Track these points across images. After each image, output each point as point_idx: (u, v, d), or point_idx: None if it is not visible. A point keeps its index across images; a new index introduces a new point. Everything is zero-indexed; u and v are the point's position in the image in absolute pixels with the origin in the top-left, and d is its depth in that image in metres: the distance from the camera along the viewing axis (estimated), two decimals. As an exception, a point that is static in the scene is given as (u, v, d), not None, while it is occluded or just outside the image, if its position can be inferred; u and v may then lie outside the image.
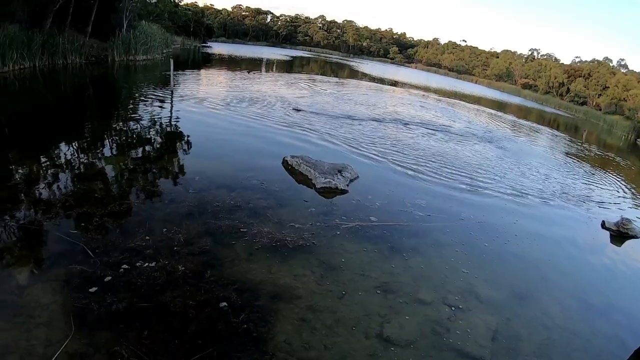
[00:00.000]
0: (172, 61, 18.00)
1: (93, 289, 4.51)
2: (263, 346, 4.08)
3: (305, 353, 4.10)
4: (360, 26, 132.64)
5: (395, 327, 4.69)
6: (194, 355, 3.85)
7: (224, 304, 4.54)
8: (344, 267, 5.65)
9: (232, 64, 42.40)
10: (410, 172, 10.18)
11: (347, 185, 8.54)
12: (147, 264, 5.08)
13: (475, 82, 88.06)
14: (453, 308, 5.24)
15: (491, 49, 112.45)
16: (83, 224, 5.85)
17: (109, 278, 4.73)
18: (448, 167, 11.29)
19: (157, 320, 4.21)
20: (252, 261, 5.47)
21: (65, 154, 9.05)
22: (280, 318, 4.49)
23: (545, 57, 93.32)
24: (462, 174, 10.83)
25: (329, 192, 8.16)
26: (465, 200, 9.07)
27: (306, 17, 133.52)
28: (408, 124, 17.85)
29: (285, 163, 9.38)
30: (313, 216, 7.03)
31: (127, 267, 4.98)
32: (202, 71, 31.48)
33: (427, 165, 11.03)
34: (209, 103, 16.31)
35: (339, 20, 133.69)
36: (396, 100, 27.20)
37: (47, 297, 4.35)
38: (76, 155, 9.04)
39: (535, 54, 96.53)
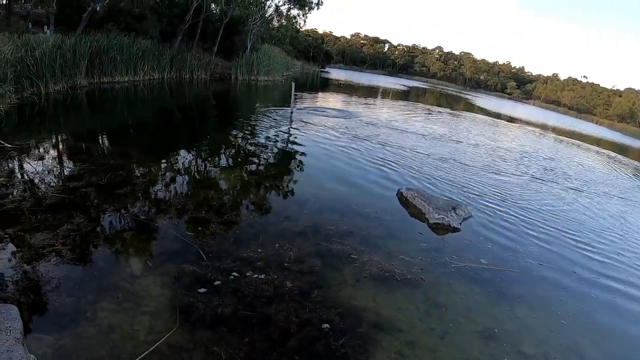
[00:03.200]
0: (293, 83, 18.88)
1: (202, 290, 4.81)
2: (358, 374, 4.02)
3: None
4: (478, 59, 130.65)
5: (493, 376, 4.49)
6: None
7: (326, 325, 4.56)
8: (449, 307, 5.42)
9: (348, 89, 43.51)
10: (522, 220, 9.48)
11: (460, 223, 8.23)
12: (256, 275, 5.28)
13: (596, 123, 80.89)
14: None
15: (613, 86, 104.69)
16: (199, 228, 6.30)
17: (219, 282, 4.99)
18: (562, 219, 10.31)
19: (258, 329, 4.34)
20: (358, 288, 5.47)
21: (186, 160, 9.91)
22: (379, 349, 4.40)
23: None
24: (581, 233, 9.79)
25: (441, 228, 7.92)
26: (580, 258, 8.21)
27: (423, 48, 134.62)
28: (521, 164, 16.70)
29: (399, 194, 9.27)
30: (423, 251, 6.86)
31: (237, 274, 5.22)
32: (320, 94, 32.73)
33: (538, 216, 10.16)
34: (325, 126, 16.74)
35: (456, 52, 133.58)
36: (510, 138, 25.82)
37: (157, 290, 4.71)
38: (196, 163, 9.80)
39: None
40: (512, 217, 9.37)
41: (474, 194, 10.61)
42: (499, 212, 9.52)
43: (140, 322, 4.14)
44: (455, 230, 7.98)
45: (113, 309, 4.25)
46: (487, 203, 10.07)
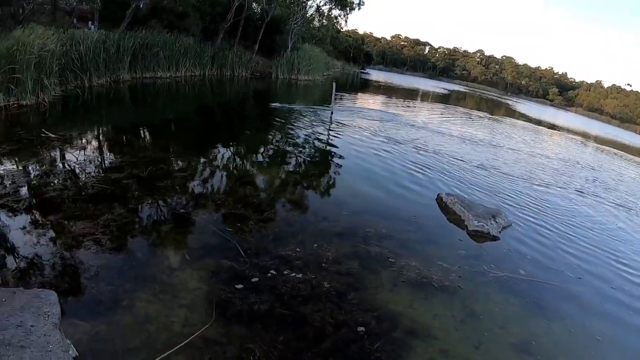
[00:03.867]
0: (334, 83, 18.98)
1: (239, 286, 4.80)
2: (391, 379, 3.97)
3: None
4: (520, 63, 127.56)
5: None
6: None
7: (362, 328, 4.51)
8: (485, 317, 5.29)
9: (388, 91, 43.30)
10: (561, 232, 9.14)
11: (499, 232, 8.02)
12: (294, 274, 5.25)
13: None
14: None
15: None
16: (238, 224, 6.31)
17: (256, 279, 4.98)
18: (603, 235, 9.86)
19: (294, 328, 4.32)
20: (395, 292, 5.38)
21: (225, 156, 10.04)
22: (413, 355, 4.31)
23: None
24: (622, 252, 9.34)
25: (480, 236, 7.74)
26: (619, 277, 7.86)
27: (464, 51, 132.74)
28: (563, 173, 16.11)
29: (439, 199, 9.10)
30: (462, 258, 6.72)
31: (274, 272, 5.20)
32: (360, 95, 32.68)
33: (578, 230, 9.75)
34: (365, 127, 16.65)
35: (498, 56, 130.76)
36: (551, 146, 25.07)
37: (194, 283, 4.73)
38: (235, 159, 9.91)
39: None
40: (552, 229, 9.10)
41: (513, 203, 10.34)
42: (538, 223, 9.25)
43: (176, 314, 4.17)
44: (495, 238, 7.81)
45: (150, 300, 4.29)
46: (526, 213, 9.80)
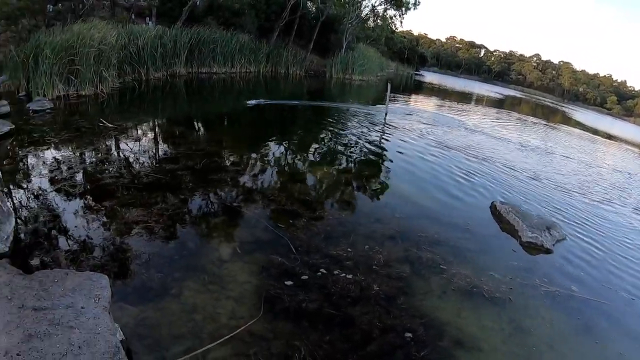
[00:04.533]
0: (389, 84, 18.75)
1: (289, 283, 4.76)
2: (435, 389, 3.88)
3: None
4: (577, 69, 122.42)
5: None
6: None
7: (409, 334, 4.39)
8: (533, 332, 5.07)
9: (442, 94, 42.66)
10: (617, 250, 8.66)
11: (553, 245, 7.69)
12: (344, 274, 5.17)
13: None
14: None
15: None
16: (291, 221, 6.30)
17: (306, 277, 4.94)
18: None
19: (340, 329, 4.25)
20: (444, 300, 5.25)
21: (278, 152, 10.04)
22: None
23: None
24: None
25: (533, 248, 7.45)
26: None
27: (520, 55, 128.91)
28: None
29: (493, 207, 8.80)
30: (514, 270, 6.48)
31: (324, 271, 5.14)
32: (414, 97, 32.33)
33: (635, 251, 9.22)
34: (418, 130, 16.37)
35: (555, 61, 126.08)
36: (609, 157, 23.91)
37: (243, 276, 4.73)
38: (288, 156, 9.91)
39: None
40: (606, 246, 8.64)
41: (567, 215, 9.88)
42: (592, 238, 8.82)
43: (223, 305, 4.17)
44: (548, 251, 7.50)
45: (198, 290, 4.31)
46: (580, 227, 9.35)
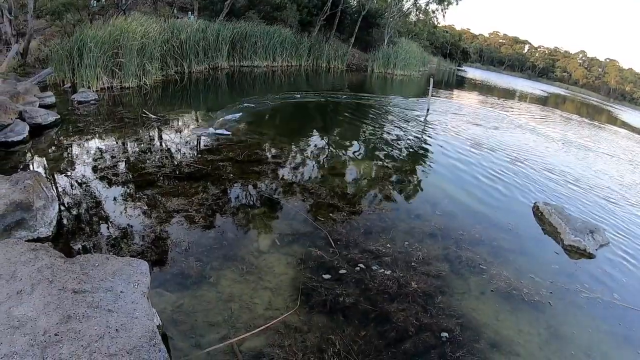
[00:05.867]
0: (432, 79, 18.61)
1: (326, 276, 4.73)
2: (469, 392, 3.83)
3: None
4: (624, 67, 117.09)
5: None
6: None
7: (445, 334, 4.32)
8: (571, 340, 4.89)
9: (485, 90, 41.79)
10: None
11: (597, 249, 7.39)
12: (382, 270, 5.11)
13: None
14: None
15: None
16: (330, 215, 6.26)
17: (344, 271, 4.89)
18: None
19: (376, 325, 4.21)
20: (482, 301, 5.13)
21: (319, 145, 10.01)
22: None
23: None
24: None
25: (576, 252, 7.18)
26: None
27: (565, 52, 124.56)
28: None
29: (535, 208, 8.53)
30: (555, 274, 6.28)
31: (362, 266, 5.09)
32: (456, 92, 31.75)
33: None
34: (460, 126, 16.07)
35: (601, 58, 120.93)
36: None
37: (281, 268, 4.73)
38: (329, 150, 9.85)
39: None
40: None
41: (611, 220, 9.52)
42: (636, 244, 8.46)
43: (260, 296, 4.18)
44: (591, 256, 7.22)
45: (235, 279, 4.34)
46: (624, 232, 8.98)
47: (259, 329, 3.73)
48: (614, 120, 45.22)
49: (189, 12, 20.72)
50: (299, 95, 15.73)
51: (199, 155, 7.55)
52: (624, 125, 42.64)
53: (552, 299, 5.52)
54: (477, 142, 13.59)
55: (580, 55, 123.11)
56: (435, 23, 46.74)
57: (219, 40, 18.20)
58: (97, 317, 2.83)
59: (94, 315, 2.84)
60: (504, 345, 4.42)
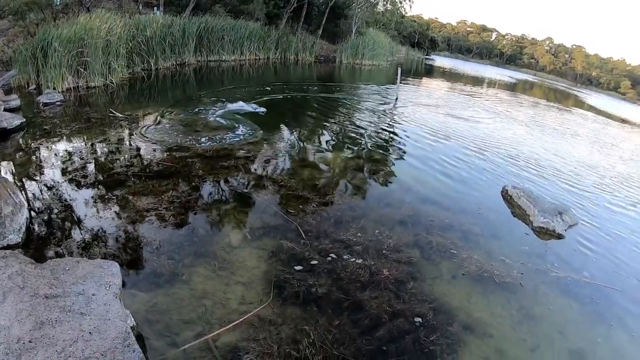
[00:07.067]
0: (399, 68, 18.85)
1: (298, 268, 4.79)
2: (444, 374, 3.94)
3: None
4: (590, 53, 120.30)
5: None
6: (376, 358, 3.82)
7: (418, 319, 4.41)
8: (543, 319, 5.05)
9: (453, 78, 42.40)
10: (635, 232, 8.56)
11: (565, 230, 7.61)
12: (353, 259, 5.18)
13: None
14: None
15: None
16: (300, 207, 6.31)
17: (315, 262, 4.95)
18: None
19: (349, 314, 4.27)
20: (454, 285, 5.25)
21: (289, 138, 9.99)
22: (467, 352, 4.19)
23: None
24: None
25: (545, 233, 7.39)
26: None
27: (532, 39, 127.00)
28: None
29: (504, 192, 8.72)
30: (525, 255, 6.45)
31: (334, 256, 5.14)
32: (425, 80, 32.18)
33: None
34: (429, 113, 16.29)
35: (568, 45, 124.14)
36: (623, 143, 23.55)
37: (253, 262, 4.76)
38: (298, 142, 9.84)
39: None
40: (618, 232, 8.55)
41: (580, 201, 9.80)
42: (604, 224, 8.71)
43: (233, 291, 4.21)
44: (560, 237, 7.43)
45: (208, 276, 4.36)
46: (592, 212, 9.25)
47: (233, 324, 3.76)
48: (581, 104, 46.24)
49: (155, 8, 20.40)
50: (269, 88, 15.67)
51: (168, 153, 7.49)
52: (591, 109, 43.66)
53: (523, 279, 5.65)
54: (446, 130, 13.77)
55: (547, 42, 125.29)
56: (403, 13, 46.91)
57: (185, 36, 17.97)
58: (70, 322, 2.85)
59: (67, 320, 2.85)
60: (477, 327, 4.52)
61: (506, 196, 8.62)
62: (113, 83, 12.44)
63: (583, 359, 4.62)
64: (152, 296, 3.92)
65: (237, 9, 23.32)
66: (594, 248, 7.37)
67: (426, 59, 62.72)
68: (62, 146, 7.38)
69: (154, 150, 7.63)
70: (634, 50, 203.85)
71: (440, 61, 66.90)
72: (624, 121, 39.91)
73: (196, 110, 10.73)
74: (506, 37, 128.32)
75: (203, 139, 8.43)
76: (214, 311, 3.90)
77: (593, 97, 71.86)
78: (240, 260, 4.70)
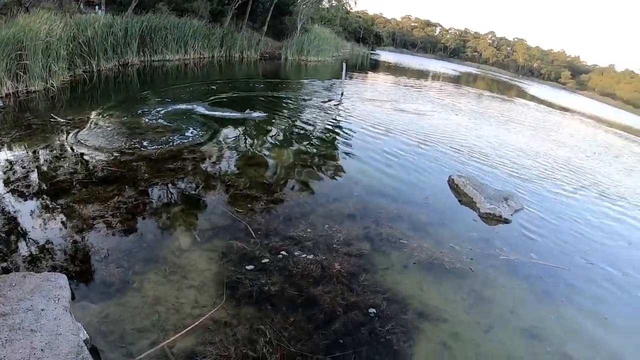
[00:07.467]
0: (344, 64, 19.09)
1: (249, 267, 4.79)
2: (401, 362, 4.01)
3: (440, 380, 4.03)
4: (532, 45, 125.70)
5: (537, 378, 4.43)
6: (333, 353, 3.86)
7: (373, 310, 4.51)
8: (495, 301, 5.27)
9: (398, 72, 43.08)
10: (576, 213, 9.05)
11: (511, 215, 7.96)
12: (304, 255, 5.23)
13: None
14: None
15: None
16: (249, 205, 6.29)
17: (266, 260, 4.97)
18: (615, 219, 9.73)
19: (304, 310, 4.31)
20: (405, 274, 5.37)
21: (235, 137, 9.88)
22: (423, 338, 4.31)
23: None
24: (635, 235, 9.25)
25: (492, 219, 7.68)
26: (635, 253, 7.83)
27: (475, 32, 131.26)
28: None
29: (451, 181, 9.01)
30: (473, 241, 6.67)
31: (285, 253, 5.18)
32: (370, 75, 32.55)
33: (590, 214, 9.61)
34: (375, 107, 16.53)
35: (510, 38, 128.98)
36: (564, 129, 24.74)
37: (204, 264, 4.74)
38: (245, 140, 9.77)
39: None
40: (563, 214, 8.97)
41: (525, 186, 10.21)
42: (549, 208, 9.12)
43: (186, 295, 4.17)
44: (506, 221, 7.74)
45: (159, 281, 4.30)
46: (537, 197, 9.66)
47: (188, 329, 3.74)
48: (523, 95, 47.93)
49: (96, 7, 19.71)
50: (214, 87, 15.46)
51: (113, 158, 7.27)
52: (533, 98, 45.34)
53: (473, 264, 5.85)
54: (391, 123, 13.99)
55: (490, 36, 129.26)
56: (348, 9, 47.36)
57: (128, 35, 17.40)
58: (20, 340, 2.78)
59: (17, 338, 2.79)
60: (431, 314, 4.65)
61: (453, 185, 8.86)
62: (54, 87, 11.93)
63: (536, 337, 4.80)
64: (104, 307, 3.83)
65: (181, 6, 22.79)
66: (540, 231, 7.69)
67: (371, 54, 63.40)
68: (2, 155, 7.04)
69: (98, 155, 7.40)
70: (573, 41, 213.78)
71: (385, 56, 67.78)
72: (564, 109, 41.69)
73: (140, 112, 10.45)
74: (450, 31, 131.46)
75: (147, 142, 8.24)
76: (167, 317, 3.85)
77: (535, 88, 74.48)
78: (191, 264, 4.66)
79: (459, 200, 8.25)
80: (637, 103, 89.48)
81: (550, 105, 41.72)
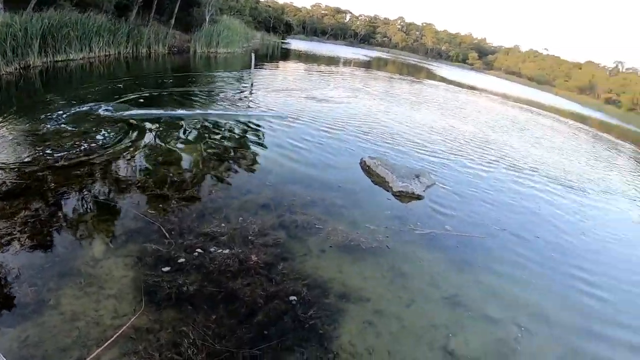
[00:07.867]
0: (253, 55, 18.89)
1: (166, 269, 4.72)
2: (328, 344, 4.15)
3: (368, 357, 4.12)
4: (440, 29, 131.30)
5: (460, 341, 4.62)
6: (259, 345, 3.92)
7: (294, 297, 4.60)
8: (414, 275, 5.55)
9: (309, 60, 43.11)
10: (485, 187, 9.70)
11: (424, 191, 8.38)
12: (220, 250, 5.21)
13: (556, 94, 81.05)
14: (522, 328, 5.08)
15: (574, 59, 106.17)
16: (161, 206, 6.12)
17: (182, 260, 4.91)
18: (526, 186, 10.61)
19: (225, 306, 4.32)
20: (323, 258, 5.51)
21: (144, 136, 9.40)
22: (347, 319, 4.49)
23: (630, 70, 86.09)
24: (544, 199, 10.08)
25: (405, 196, 8.05)
26: (544, 217, 8.62)
27: (385, 18, 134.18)
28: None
29: (363, 163, 9.32)
30: (388, 219, 6.95)
31: (201, 251, 5.14)
32: (281, 64, 32.48)
33: (501, 184, 10.38)
34: (286, 96, 16.57)
35: (418, 23, 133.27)
36: (471, 106, 26.26)
37: (120, 271, 4.59)
38: (155, 139, 9.35)
39: (620, 67, 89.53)
40: (474, 186, 9.50)
41: (437, 161, 10.71)
42: (460, 181, 9.63)
43: (104, 306, 4.04)
44: (419, 197, 8.07)
45: (76, 295, 4.12)
46: (448, 171, 10.16)
47: (110, 341, 3.64)
48: (433, 76, 49.73)
49: (-4, 6, 18.15)
50: (121, 86, 14.75)
51: (16, 169, 6.71)
52: (443, 80, 47.16)
53: (390, 242, 6.10)
54: (302, 111, 14.13)
55: (399, 21, 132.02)
56: (258, -1, 46.61)
57: (28, 35, 16.16)
58: None
59: None
60: (352, 294, 4.82)
61: (365, 167, 9.12)
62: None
63: (457, 304, 5.11)
64: (22, 330, 3.64)
65: (84, 1, 21.38)
66: (453, 203, 8.13)
67: (282, 42, 62.99)
68: None
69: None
70: (480, 25, 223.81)
71: (296, 44, 67.53)
72: (473, 88, 43.81)
73: (43, 117, 9.69)
74: (360, 18, 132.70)
75: (52, 149, 7.68)
76: (88, 332, 3.73)
77: (444, 69, 77.44)
78: (106, 272, 4.50)
79: (372, 181, 8.51)
80: (541, 79, 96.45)
81: (459, 85, 43.66)
